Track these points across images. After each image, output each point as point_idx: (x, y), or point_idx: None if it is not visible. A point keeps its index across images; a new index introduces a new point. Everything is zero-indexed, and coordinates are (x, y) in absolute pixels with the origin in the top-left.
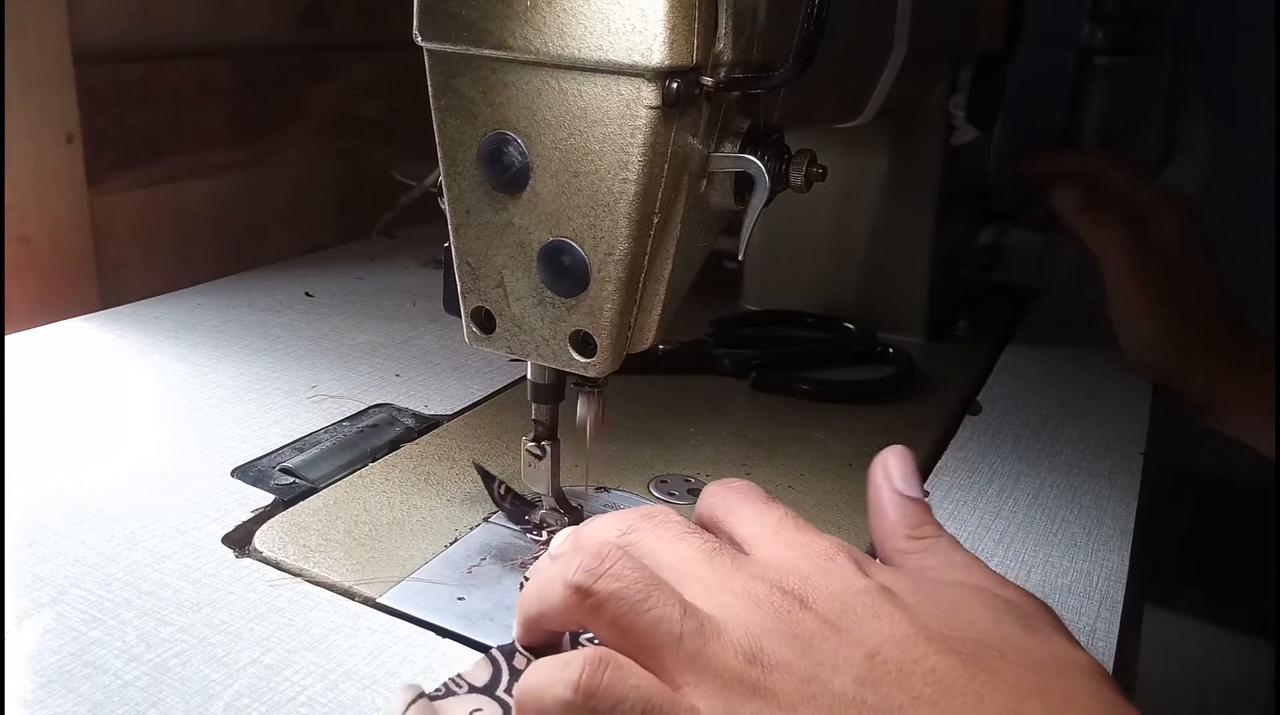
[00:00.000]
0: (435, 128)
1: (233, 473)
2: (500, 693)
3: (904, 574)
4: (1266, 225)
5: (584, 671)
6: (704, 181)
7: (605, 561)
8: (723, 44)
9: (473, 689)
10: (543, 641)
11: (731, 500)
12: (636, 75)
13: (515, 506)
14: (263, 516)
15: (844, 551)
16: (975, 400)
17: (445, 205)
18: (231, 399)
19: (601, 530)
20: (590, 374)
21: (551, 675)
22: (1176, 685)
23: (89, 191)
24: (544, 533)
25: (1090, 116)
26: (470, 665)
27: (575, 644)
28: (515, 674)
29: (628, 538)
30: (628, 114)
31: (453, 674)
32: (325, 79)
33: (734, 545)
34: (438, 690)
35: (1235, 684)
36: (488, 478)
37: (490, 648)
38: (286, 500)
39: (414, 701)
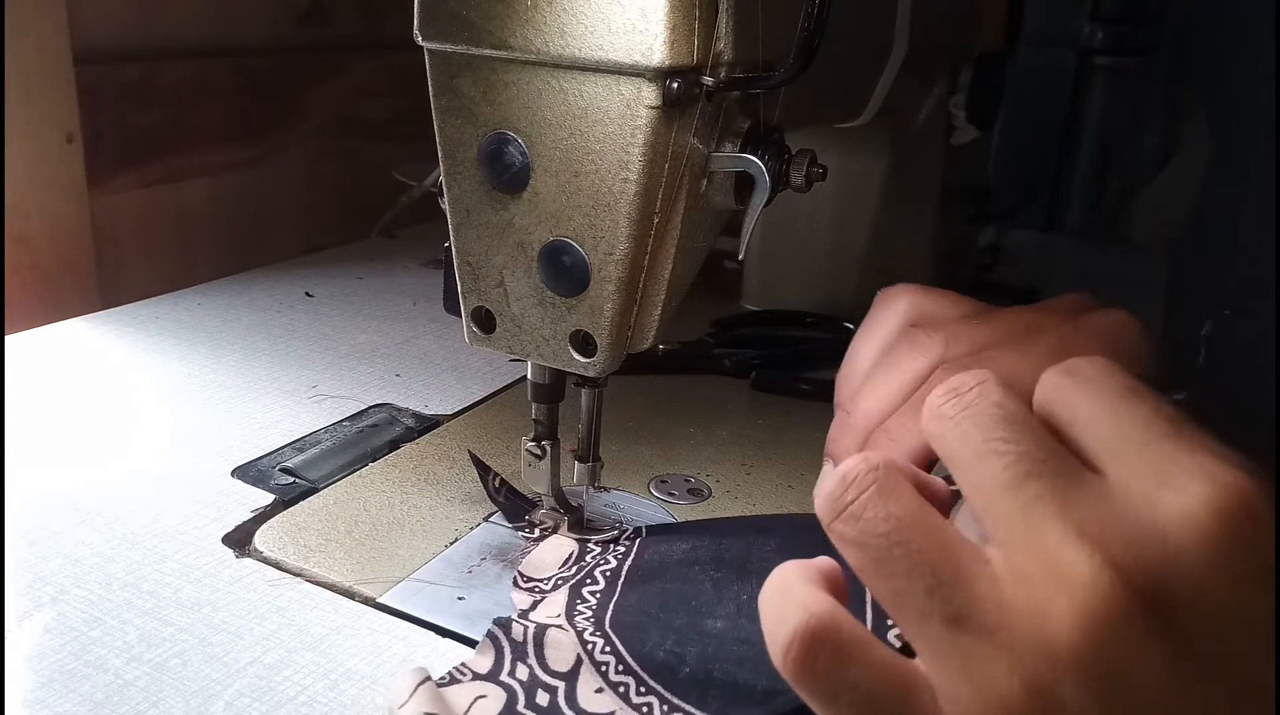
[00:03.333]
0: (435, 128)
1: (233, 473)
2: (504, 677)
3: None
4: (1266, 225)
5: (793, 645)
6: (704, 181)
7: (849, 492)
8: (723, 44)
9: (476, 676)
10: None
11: (1077, 390)
12: (637, 75)
13: (510, 500)
14: (263, 516)
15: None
16: None
17: (445, 205)
18: (232, 399)
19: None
20: (590, 374)
21: (779, 617)
22: None
23: (89, 191)
24: (537, 530)
25: (1090, 116)
26: (473, 654)
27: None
28: (517, 649)
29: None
30: (628, 114)
31: (456, 664)
32: (325, 79)
33: (1083, 460)
34: (442, 679)
35: None
36: (483, 469)
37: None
38: (286, 500)
39: (421, 684)
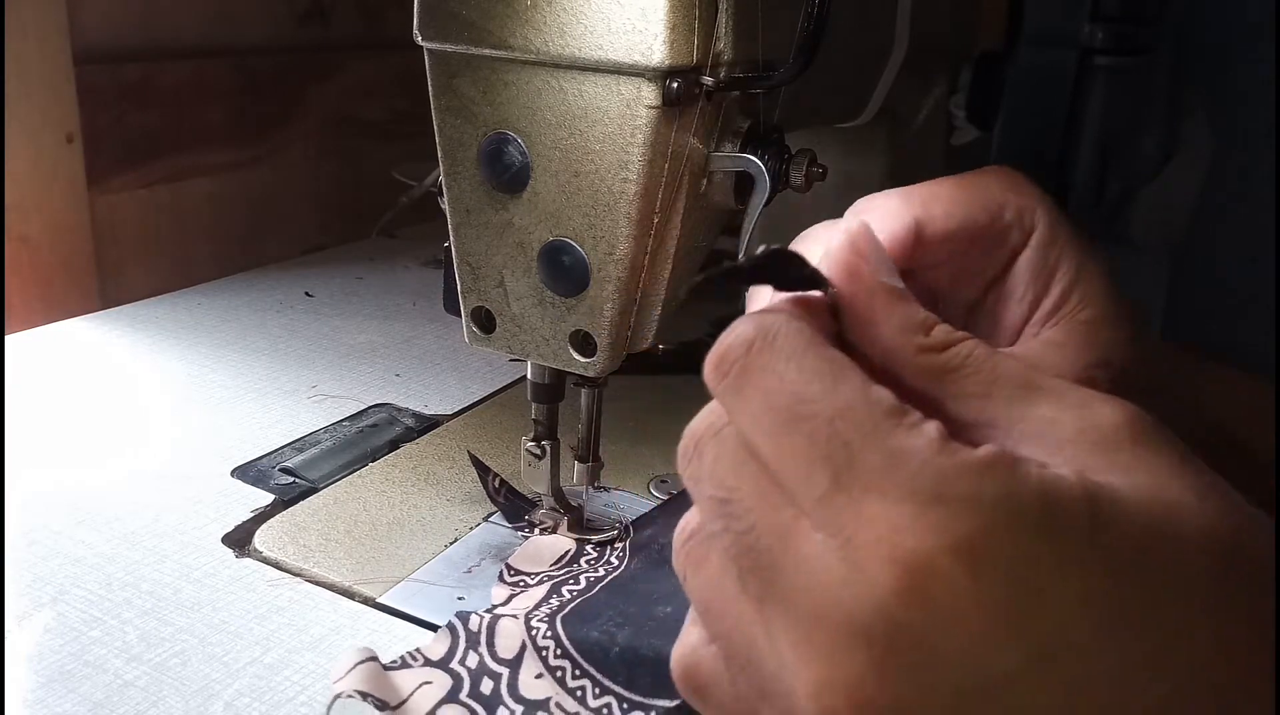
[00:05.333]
0: (435, 128)
1: (233, 473)
2: (454, 665)
3: None
4: (1266, 226)
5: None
6: (704, 181)
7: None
8: (723, 43)
9: (428, 662)
10: None
11: (738, 412)
12: (637, 75)
13: (510, 500)
14: (263, 516)
15: None
16: None
17: (445, 205)
18: (232, 399)
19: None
20: (590, 374)
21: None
22: None
23: (89, 191)
24: (536, 530)
25: (1090, 116)
26: (429, 640)
27: None
28: (471, 638)
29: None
30: (628, 114)
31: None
32: (325, 79)
33: None
34: (393, 662)
35: None
36: (483, 470)
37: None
38: (286, 500)
39: (361, 663)
